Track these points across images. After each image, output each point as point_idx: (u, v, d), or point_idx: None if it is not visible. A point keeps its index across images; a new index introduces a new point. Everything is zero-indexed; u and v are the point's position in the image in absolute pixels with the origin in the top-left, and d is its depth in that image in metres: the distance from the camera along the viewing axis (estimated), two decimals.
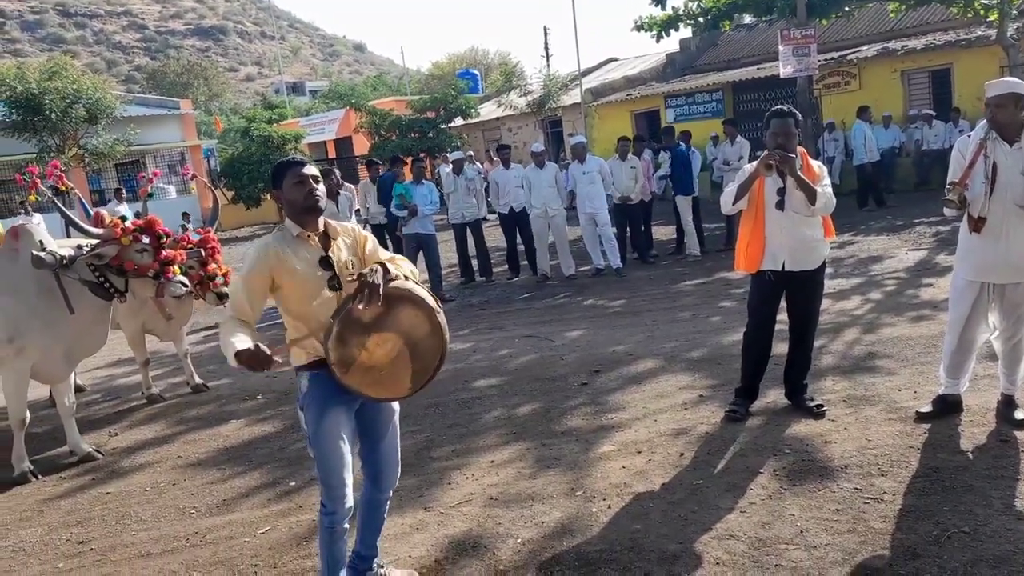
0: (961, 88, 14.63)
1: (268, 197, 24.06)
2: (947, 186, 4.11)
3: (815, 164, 4.47)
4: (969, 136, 4.17)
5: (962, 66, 14.70)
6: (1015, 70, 11.92)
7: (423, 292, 2.89)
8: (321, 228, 2.98)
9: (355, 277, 2.86)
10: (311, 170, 2.94)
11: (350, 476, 2.97)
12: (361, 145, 27.30)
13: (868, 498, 3.55)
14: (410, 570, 3.35)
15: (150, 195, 5.86)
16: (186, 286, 5.20)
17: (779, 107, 4.46)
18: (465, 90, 25.62)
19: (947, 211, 4.17)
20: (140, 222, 5.04)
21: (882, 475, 3.76)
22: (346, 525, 3.00)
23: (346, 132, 29.36)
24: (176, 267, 5.16)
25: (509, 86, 23.03)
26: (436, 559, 3.47)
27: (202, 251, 5.69)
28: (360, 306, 2.72)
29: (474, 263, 10.85)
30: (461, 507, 3.96)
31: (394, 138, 23.65)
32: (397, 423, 3.17)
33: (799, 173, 4.29)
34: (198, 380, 6.83)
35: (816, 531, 3.32)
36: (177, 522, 4.19)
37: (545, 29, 29.56)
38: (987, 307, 4.20)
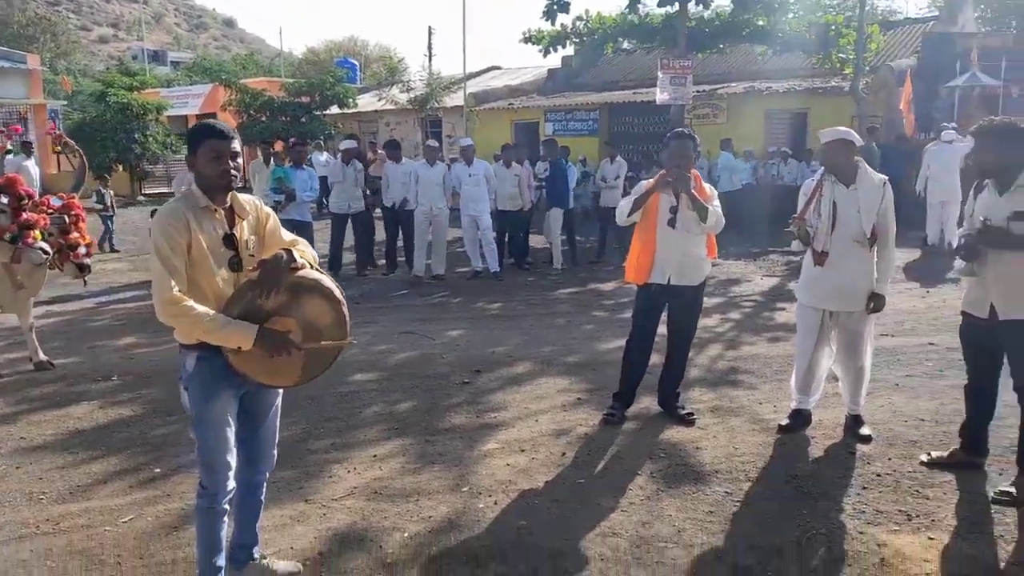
0: (815, 131, 15.86)
1: (120, 168, 22.50)
2: (789, 219, 4.50)
3: (707, 185, 4.74)
4: (812, 178, 4.59)
5: (817, 112, 15.96)
6: (863, 120, 13.11)
7: (330, 282, 2.86)
8: (228, 203, 2.84)
9: (255, 266, 2.77)
10: (233, 146, 2.76)
11: (234, 459, 2.88)
12: (226, 123, 26.01)
13: (737, 501, 3.79)
14: (294, 562, 3.24)
15: (9, 151, 5.34)
16: (47, 254, 4.79)
17: (680, 129, 4.70)
18: (344, 79, 25.06)
19: (793, 244, 4.58)
20: None
21: (748, 480, 4.02)
22: (226, 506, 2.88)
23: (211, 108, 27.88)
24: (37, 232, 4.74)
25: (392, 80, 22.73)
26: (320, 551, 3.38)
27: (65, 218, 5.25)
28: (260, 301, 2.71)
29: (347, 256, 10.66)
30: (344, 500, 3.87)
31: (264, 119, 22.75)
32: (279, 405, 3.08)
33: (693, 192, 4.53)
34: (42, 357, 6.27)
35: (692, 531, 3.51)
36: (24, 508, 3.84)
37: (430, 29, 29.36)
38: (829, 333, 4.60)
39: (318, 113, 23.25)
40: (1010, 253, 3.64)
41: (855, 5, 14.48)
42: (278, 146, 11.77)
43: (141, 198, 23.00)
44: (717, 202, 4.69)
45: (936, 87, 15.21)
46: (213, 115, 27.77)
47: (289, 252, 2.79)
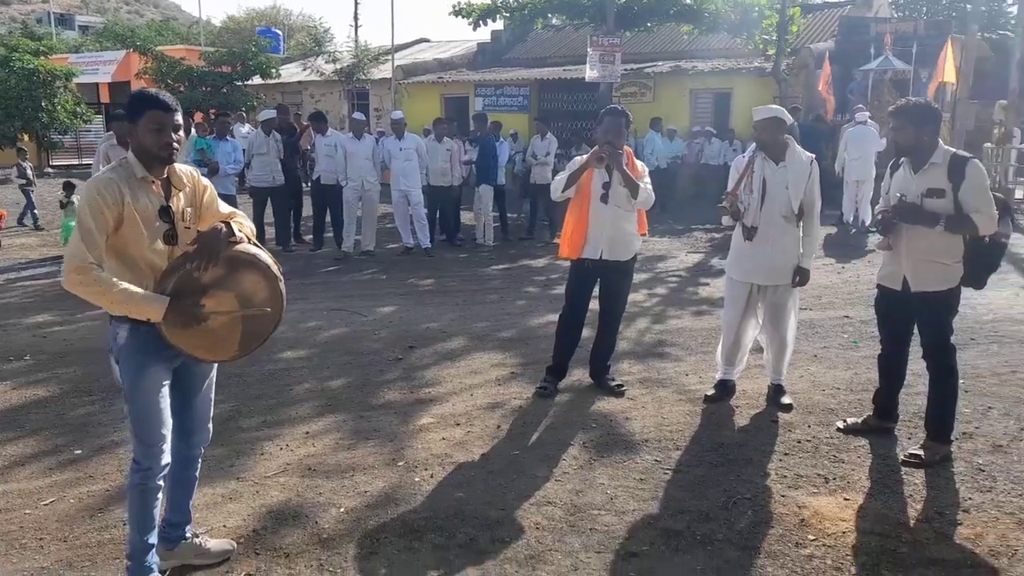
0: (738, 111, 16.27)
1: (26, 138, 21.33)
2: (722, 195, 4.64)
3: (639, 163, 4.82)
4: (744, 155, 4.72)
5: (741, 92, 16.35)
6: (785, 101, 13.50)
7: (267, 258, 2.84)
8: (165, 174, 2.75)
9: (193, 241, 2.71)
10: (176, 118, 2.67)
11: (169, 432, 2.82)
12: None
13: (666, 469, 3.91)
14: (228, 539, 3.19)
15: None
16: None
17: (613, 106, 4.76)
18: (267, 48, 24.30)
19: (724, 220, 4.71)
20: None
21: (677, 449, 4.15)
22: (160, 482, 2.83)
23: (125, 76, 26.70)
24: None
25: (318, 50, 22.15)
26: (254, 529, 3.33)
27: None
28: (196, 274, 2.66)
29: (268, 231, 10.40)
30: (277, 477, 3.83)
31: (183, 89, 21.90)
32: (214, 378, 3.03)
33: (625, 169, 4.60)
34: None
35: (624, 498, 3.61)
36: None
37: None
38: (756, 306, 4.77)
39: (240, 83, 22.53)
40: (923, 228, 3.83)
41: None
42: (198, 117, 11.37)
43: (49, 170, 21.87)
44: (648, 179, 4.77)
45: (851, 70, 15.76)
46: (127, 84, 26.63)
47: (228, 225, 2.75)
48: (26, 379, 5.27)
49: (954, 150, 3.92)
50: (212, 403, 3.06)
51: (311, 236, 10.69)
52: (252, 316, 2.81)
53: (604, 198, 4.71)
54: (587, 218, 4.74)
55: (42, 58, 21.65)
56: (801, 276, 4.60)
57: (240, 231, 2.78)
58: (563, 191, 4.75)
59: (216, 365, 3.02)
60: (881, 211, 4.09)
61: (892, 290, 4.05)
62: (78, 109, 22.07)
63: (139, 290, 2.62)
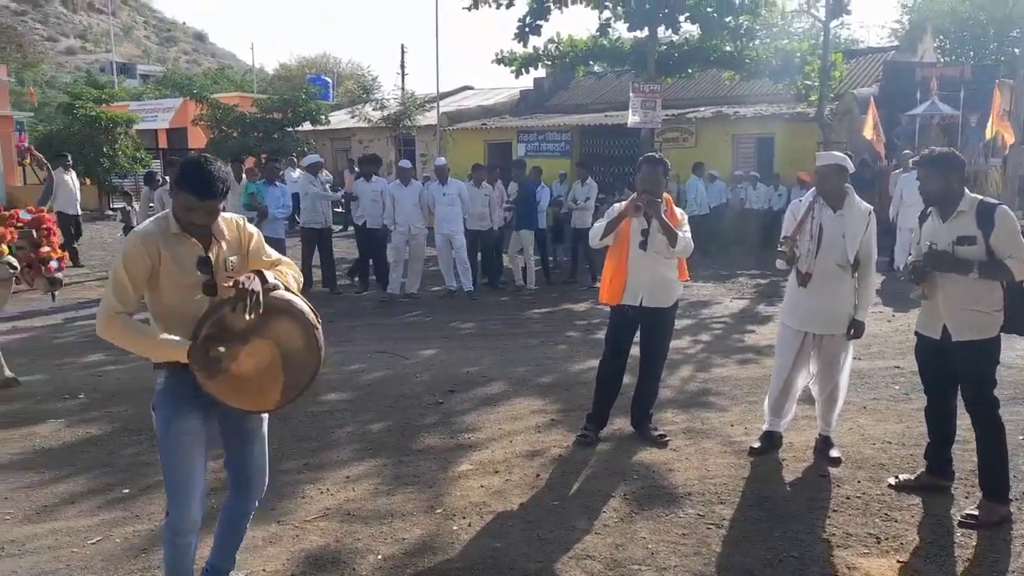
0: (781, 156, 16.21)
1: (88, 182, 22.19)
2: (780, 240, 4.58)
3: (678, 211, 4.82)
4: (801, 200, 4.68)
5: (783, 137, 16.32)
6: (829, 147, 13.41)
7: (303, 305, 2.79)
8: None
9: (231, 284, 2.67)
10: (211, 205, 2.68)
11: (200, 486, 2.82)
12: (197, 138, 25.86)
13: (710, 524, 3.83)
14: None
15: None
16: (14, 268, 4.72)
17: (651, 154, 4.79)
18: (316, 95, 25.01)
19: (779, 264, 4.65)
20: None
21: (721, 503, 4.06)
22: (191, 540, 2.84)
23: (182, 123, 27.75)
24: (4, 246, 4.67)
25: (366, 97, 22.76)
26: (293, 573, 3.35)
27: (35, 232, 5.17)
28: (229, 320, 2.64)
29: (315, 272, 10.58)
30: (317, 522, 3.84)
31: (236, 135, 22.61)
32: (266, 430, 3.04)
33: (663, 217, 4.61)
34: (8, 373, 6.13)
35: (665, 553, 3.53)
36: None
37: (403, 47, 29.57)
38: (808, 355, 4.67)
39: (290, 129, 23.18)
40: (957, 276, 3.76)
41: (819, 33, 14.86)
42: (250, 162, 11.71)
43: (109, 212, 22.66)
44: (687, 227, 4.76)
45: (897, 115, 15.61)
46: (184, 130, 27.63)
47: (261, 273, 2.71)
48: (79, 417, 5.41)
49: (981, 197, 3.87)
50: (266, 455, 3.05)
51: (357, 278, 10.86)
52: (292, 365, 2.76)
53: (643, 245, 4.70)
54: (626, 265, 4.74)
55: (104, 105, 22.58)
56: (856, 329, 4.50)
57: (276, 279, 2.74)
58: (601, 239, 4.77)
59: (266, 418, 3.01)
60: (913, 260, 4.03)
61: (931, 339, 3.97)
62: (138, 154, 22.93)
63: (166, 336, 2.67)
